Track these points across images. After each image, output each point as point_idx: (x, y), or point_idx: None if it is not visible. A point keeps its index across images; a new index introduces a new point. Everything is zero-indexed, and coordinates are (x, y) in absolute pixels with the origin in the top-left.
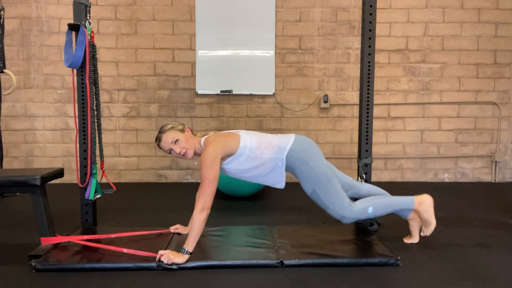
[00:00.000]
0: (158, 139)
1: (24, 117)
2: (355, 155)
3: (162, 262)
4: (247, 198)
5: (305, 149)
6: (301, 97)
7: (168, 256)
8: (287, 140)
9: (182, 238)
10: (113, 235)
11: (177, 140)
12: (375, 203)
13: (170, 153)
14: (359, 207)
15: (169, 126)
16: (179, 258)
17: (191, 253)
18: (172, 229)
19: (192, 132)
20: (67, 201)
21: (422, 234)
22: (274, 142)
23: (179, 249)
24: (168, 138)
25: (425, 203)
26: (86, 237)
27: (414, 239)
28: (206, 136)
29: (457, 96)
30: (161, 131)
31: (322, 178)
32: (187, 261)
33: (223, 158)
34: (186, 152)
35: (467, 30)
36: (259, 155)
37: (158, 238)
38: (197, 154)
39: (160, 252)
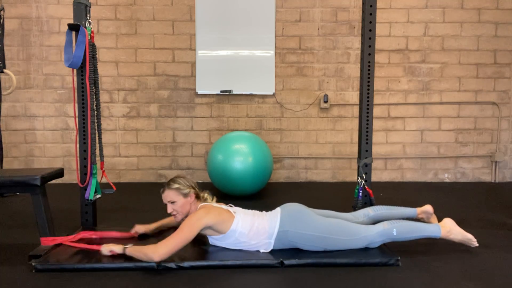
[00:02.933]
0: (163, 188)
1: (24, 117)
2: (355, 155)
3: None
4: (247, 198)
5: (295, 224)
6: (301, 97)
7: (108, 247)
8: (274, 222)
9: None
10: (93, 235)
11: (174, 202)
12: (399, 225)
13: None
14: (380, 228)
15: (176, 186)
16: (118, 249)
17: (124, 254)
18: (133, 231)
19: (199, 195)
20: (67, 201)
21: (472, 246)
22: (265, 225)
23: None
24: (168, 195)
25: (452, 229)
26: (71, 237)
27: None
28: (203, 204)
29: (457, 96)
30: (168, 185)
31: (326, 235)
32: (187, 261)
33: (211, 231)
34: (176, 214)
35: (467, 30)
36: (247, 240)
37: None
38: None
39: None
